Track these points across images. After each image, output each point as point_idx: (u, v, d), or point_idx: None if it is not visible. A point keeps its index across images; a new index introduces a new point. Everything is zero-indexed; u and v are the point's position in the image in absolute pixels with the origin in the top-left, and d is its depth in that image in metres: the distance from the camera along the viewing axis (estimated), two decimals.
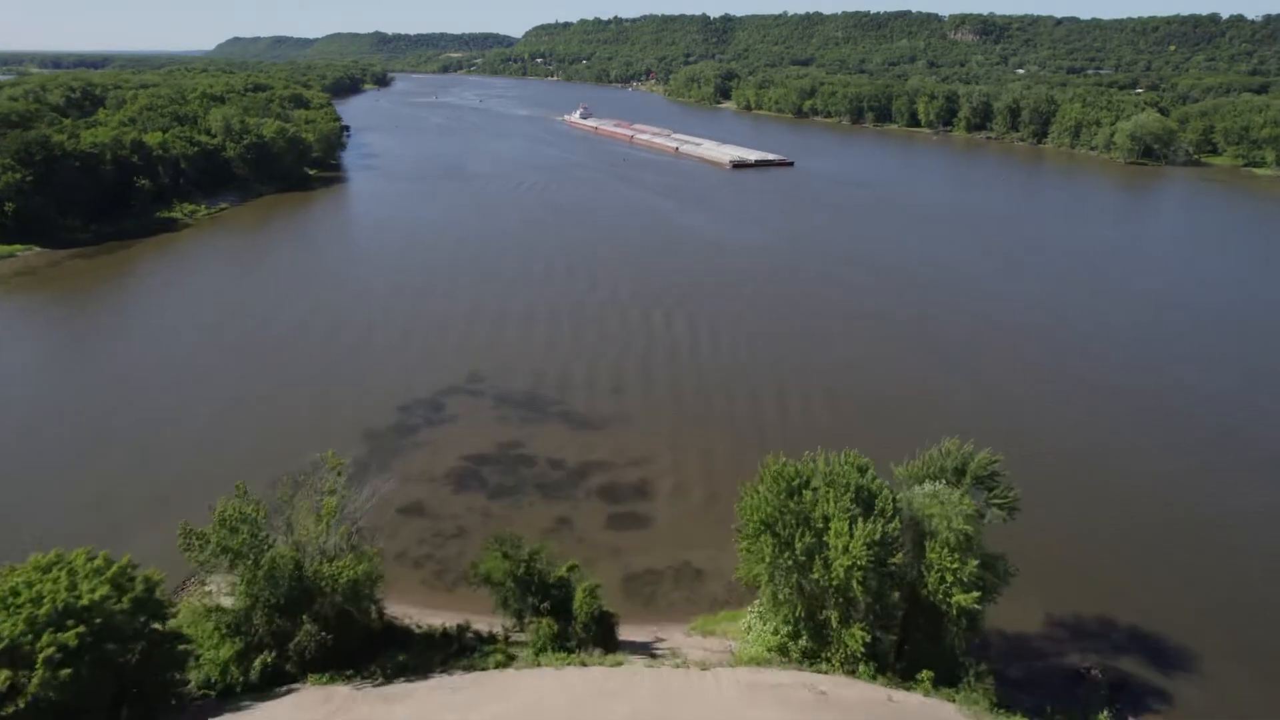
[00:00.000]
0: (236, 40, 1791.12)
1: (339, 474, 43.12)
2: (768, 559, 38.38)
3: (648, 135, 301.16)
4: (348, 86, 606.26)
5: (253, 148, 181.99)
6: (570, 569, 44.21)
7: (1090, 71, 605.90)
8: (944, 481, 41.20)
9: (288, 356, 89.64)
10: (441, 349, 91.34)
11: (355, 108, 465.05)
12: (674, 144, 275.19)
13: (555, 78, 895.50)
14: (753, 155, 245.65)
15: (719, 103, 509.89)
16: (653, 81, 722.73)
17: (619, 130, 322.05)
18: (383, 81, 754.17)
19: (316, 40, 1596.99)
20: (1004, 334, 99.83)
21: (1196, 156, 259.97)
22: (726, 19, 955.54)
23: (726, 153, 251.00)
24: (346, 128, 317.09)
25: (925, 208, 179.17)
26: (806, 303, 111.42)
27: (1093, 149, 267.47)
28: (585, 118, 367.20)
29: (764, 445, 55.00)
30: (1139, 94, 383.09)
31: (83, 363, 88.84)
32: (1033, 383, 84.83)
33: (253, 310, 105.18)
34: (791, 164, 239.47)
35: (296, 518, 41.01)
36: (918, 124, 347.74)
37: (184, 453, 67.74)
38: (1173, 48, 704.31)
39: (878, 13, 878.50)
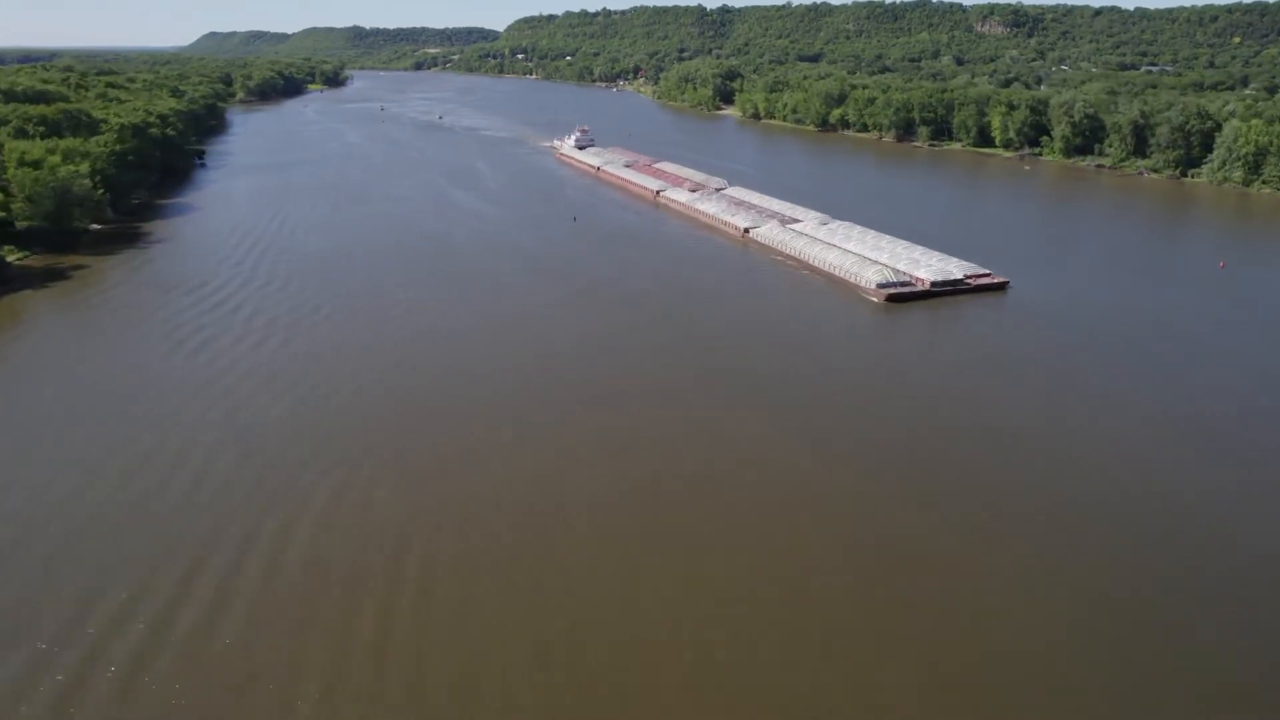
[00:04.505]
0: (213, 35, 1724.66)
1: None
2: None
3: (684, 194, 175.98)
4: (281, 89, 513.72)
5: None
6: None
7: (1148, 68, 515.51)
8: None
9: None
10: None
11: (263, 120, 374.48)
12: (741, 222, 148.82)
13: (534, 75, 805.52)
14: (923, 264, 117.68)
15: (719, 108, 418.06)
16: (641, 80, 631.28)
17: (636, 180, 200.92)
18: (335, 81, 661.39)
19: (292, 35, 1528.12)
20: None
21: None
22: (725, 10, 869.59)
23: (855, 250, 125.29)
24: (200, 155, 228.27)
25: None
26: None
27: None
28: (582, 147, 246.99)
29: None
30: (1250, 94, 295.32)
31: None
32: None
33: None
34: (1004, 285, 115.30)
35: None
36: (989, 142, 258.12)
37: None
38: (1237, 39, 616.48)
39: (894, 3, 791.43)
